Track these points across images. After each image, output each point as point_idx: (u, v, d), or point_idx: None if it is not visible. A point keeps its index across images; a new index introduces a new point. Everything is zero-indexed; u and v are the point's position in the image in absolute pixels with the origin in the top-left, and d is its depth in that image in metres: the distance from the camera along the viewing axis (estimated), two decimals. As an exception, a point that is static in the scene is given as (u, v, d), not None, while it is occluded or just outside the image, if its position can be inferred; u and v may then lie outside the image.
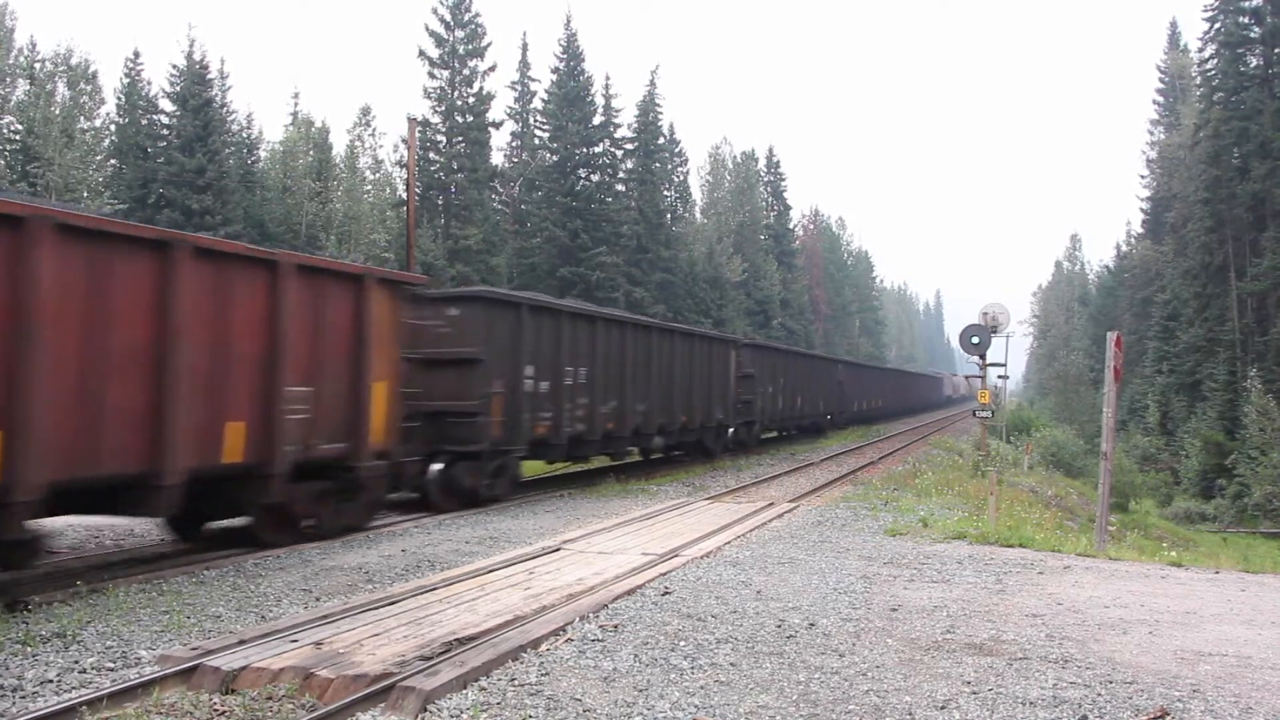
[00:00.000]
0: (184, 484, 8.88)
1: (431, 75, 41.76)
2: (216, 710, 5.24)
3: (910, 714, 5.25)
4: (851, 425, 44.02)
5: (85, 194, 31.20)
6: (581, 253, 44.73)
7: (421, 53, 41.48)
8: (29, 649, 6.31)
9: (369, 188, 43.83)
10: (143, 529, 11.81)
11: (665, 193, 56.79)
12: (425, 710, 5.20)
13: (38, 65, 34.94)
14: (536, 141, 49.88)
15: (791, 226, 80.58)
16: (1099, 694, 5.60)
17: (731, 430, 25.83)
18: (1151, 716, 5.22)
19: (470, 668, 5.74)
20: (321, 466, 10.83)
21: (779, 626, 7.10)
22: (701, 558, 9.97)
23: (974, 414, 25.59)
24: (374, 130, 45.47)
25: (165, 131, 38.27)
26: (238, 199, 37.78)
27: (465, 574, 8.74)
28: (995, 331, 23.86)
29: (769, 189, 76.35)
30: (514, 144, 51.77)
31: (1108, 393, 12.85)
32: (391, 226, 41.29)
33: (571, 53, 48.75)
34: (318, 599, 8.03)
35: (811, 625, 7.15)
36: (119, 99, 39.85)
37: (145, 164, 36.89)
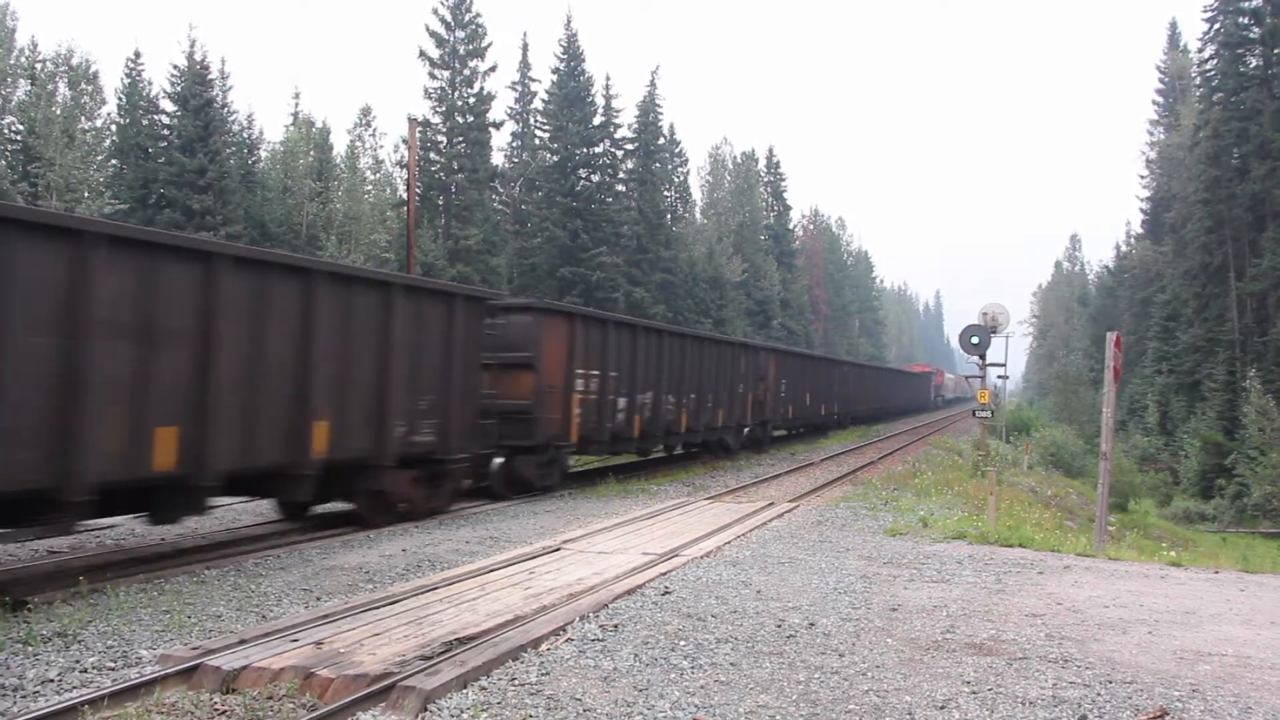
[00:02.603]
0: None
1: (432, 76, 41.80)
2: (217, 710, 5.24)
3: (910, 714, 5.26)
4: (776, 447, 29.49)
5: (86, 194, 31.19)
6: (582, 253, 44.71)
7: (422, 53, 41.51)
8: (30, 648, 6.31)
9: (369, 188, 43.80)
10: (143, 529, 11.82)
11: (665, 193, 56.79)
12: (425, 710, 5.20)
13: (39, 65, 34.92)
14: (537, 142, 49.85)
15: (791, 226, 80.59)
16: (1099, 694, 5.61)
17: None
18: (1151, 716, 5.22)
19: (470, 667, 5.75)
20: None
21: (779, 626, 7.10)
22: (701, 557, 9.97)
23: (974, 414, 25.62)
24: (374, 130, 45.45)
25: (166, 132, 38.27)
26: (238, 199, 37.76)
27: (466, 574, 8.75)
28: (995, 331, 23.89)
29: (769, 189, 76.35)
30: (514, 144, 51.78)
31: (1107, 393, 12.85)
32: (392, 227, 41.28)
33: (572, 53, 48.73)
34: (318, 599, 8.04)
35: (811, 625, 7.16)
36: (120, 99, 39.90)
37: (146, 164, 36.91)
